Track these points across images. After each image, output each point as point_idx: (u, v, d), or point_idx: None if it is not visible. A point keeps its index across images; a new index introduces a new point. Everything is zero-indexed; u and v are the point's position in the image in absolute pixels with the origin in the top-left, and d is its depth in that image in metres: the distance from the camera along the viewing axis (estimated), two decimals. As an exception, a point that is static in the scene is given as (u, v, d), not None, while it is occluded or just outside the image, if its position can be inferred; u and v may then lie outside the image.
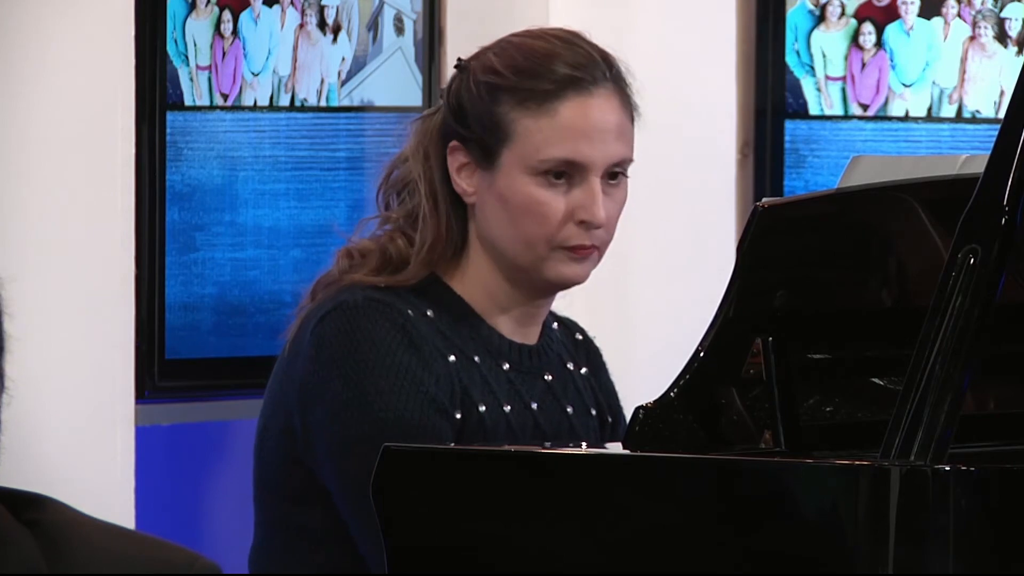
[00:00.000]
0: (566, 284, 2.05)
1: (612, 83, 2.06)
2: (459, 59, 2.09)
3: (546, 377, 2.07)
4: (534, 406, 2.04)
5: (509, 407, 2.02)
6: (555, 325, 2.14)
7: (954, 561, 1.62)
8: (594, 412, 2.12)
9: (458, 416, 1.97)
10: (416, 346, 1.97)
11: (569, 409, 2.08)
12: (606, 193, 2.03)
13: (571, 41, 2.08)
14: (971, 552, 1.64)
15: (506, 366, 2.04)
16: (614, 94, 2.06)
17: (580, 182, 2.02)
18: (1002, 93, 4.01)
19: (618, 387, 2.20)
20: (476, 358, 2.01)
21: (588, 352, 2.18)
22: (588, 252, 2.03)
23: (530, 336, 2.08)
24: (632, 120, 2.09)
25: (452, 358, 1.99)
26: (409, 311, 1.99)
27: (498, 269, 2.05)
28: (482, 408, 1.99)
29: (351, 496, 1.94)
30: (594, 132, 2.03)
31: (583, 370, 2.14)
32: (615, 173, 2.05)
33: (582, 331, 2.19)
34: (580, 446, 2.08)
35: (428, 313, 2.01)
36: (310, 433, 1.97)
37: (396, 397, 1.95)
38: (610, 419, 2.14)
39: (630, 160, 2.07)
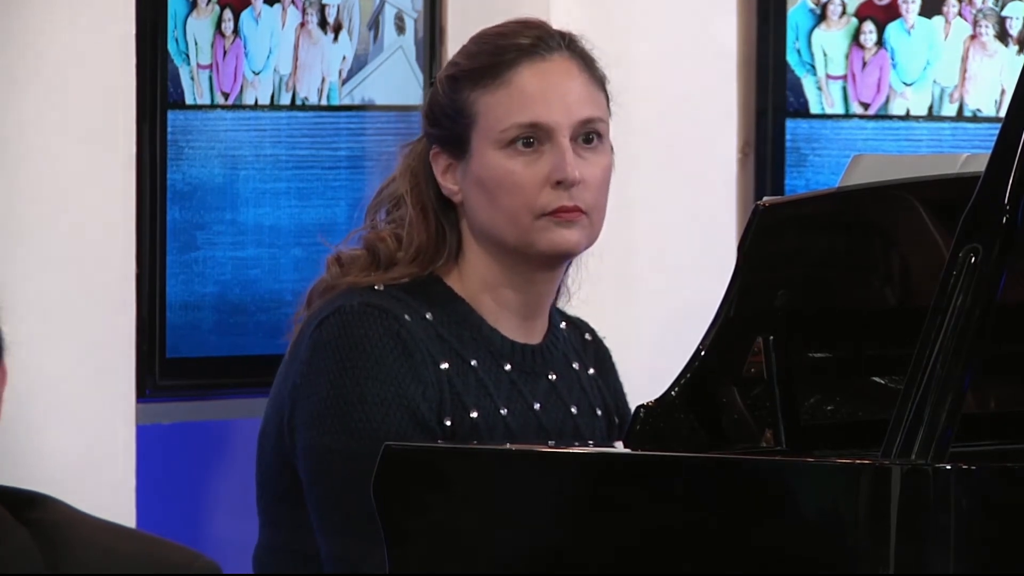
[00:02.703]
0: (559, 252, 2.03)
1: (568, 51, 2.06)
2: (433, 78, 2.12)
3: (550, 377, 2.06)
4: (537, 407, 2.04)
5: (507, 410, 2.01)
6: (563, 325, 2.13)
7: (954, 561, 1.62)
8: (600, 412, 2.11)
9: (448, 423, 1.97)
10: (409, 353, 1.97)
11: (573, 409, 2.07)
12: (581, 156, 2.02)
13: (525, 22, 2.09)
14: (971, 552, 1.64)
15: (508, 367, 2.03)
16: (571, 60, 2.06)
17: (549, 146, 2.02)
18: (1003, 92, 4.01)
19: (619, 386, 2.20)
20: (473, 362, 2.01)
21: (597, 352, 2.17)
22: (572, 215, 2.01)
23: (534, 335, 2.07)
24: (600, 86, 2.08)
25: (445, 365, 1.98)
26: (406, 315, 1.99)
27: (495, 260, 2.05)
28: (474, 414, 1.98)
29: (316, 500, 1.94)
30: (551, 93, 2.03)
31: (590, 370, 2.13)
32: (589, 137, 2.04)
33: (591, 331, 2.18)
34: (586, 445, 2.07)
35: (427, 316, 2.01)
36: (294, 433, 1.98)
37: (376, 408, 1.94)
38: (617, 420, 2.12)
39: (600, 120, 2.06)
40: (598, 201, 2.05)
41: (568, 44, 2.06)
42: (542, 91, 2.02)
